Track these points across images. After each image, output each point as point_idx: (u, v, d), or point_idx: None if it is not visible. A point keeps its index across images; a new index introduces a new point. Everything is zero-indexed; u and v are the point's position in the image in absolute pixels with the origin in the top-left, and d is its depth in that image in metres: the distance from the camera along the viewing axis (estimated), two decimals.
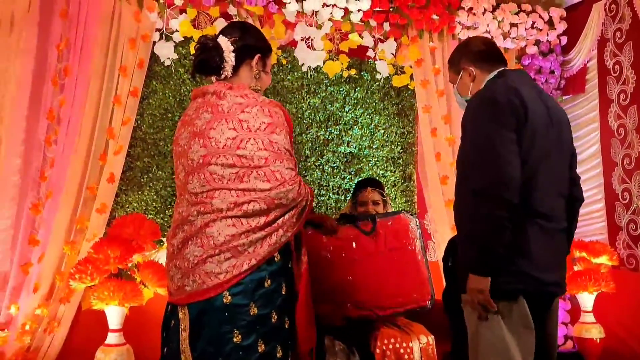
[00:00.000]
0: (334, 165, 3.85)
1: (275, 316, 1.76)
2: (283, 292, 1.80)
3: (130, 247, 2.74)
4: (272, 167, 1.73)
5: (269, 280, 1.76)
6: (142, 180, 3.36)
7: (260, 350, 1.71)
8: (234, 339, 1.69)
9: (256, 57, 1.92)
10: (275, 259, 1.79)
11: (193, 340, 1.70)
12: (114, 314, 2.75)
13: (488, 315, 1.81)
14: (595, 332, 3.42)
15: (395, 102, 4.02)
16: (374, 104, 3.96)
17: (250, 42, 1.91)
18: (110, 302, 2.67)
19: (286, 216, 1.77)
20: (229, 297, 1.70)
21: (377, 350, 2.58)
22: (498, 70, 2.03)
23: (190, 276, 1.72)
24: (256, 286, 1.73)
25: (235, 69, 1.89)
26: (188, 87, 3.49)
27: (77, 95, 3.09)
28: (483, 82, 2.02)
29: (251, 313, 1.71)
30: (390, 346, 2.58)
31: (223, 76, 1.88)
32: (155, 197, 3.38)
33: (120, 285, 2.69)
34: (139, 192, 3.35)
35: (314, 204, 3.68)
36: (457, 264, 2.00)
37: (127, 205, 3.31)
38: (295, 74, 3.79)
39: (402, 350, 2.58)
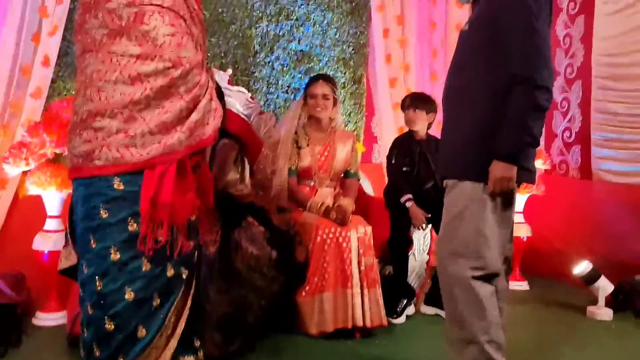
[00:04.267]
0: (284, 62, 3.76)
1: None
2: None
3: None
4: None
5: None
6: None
7: None
8: None
9: None
10: None
11: None
12: (52, 200, 2.69)
13: (482, 204, 1.82)
14: (523, 231, 3.65)
15: None
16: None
17: None
18: (48, 187, 2.61)
19: None
20: None
21: (318, 239, 2.66)
22: None
23: None
24: None
25: None
26: None
27: None
28: None
29: None
30: (331, 235, 2.67)
31: None
32: None
33: (58, 170, 2.62)
34: None
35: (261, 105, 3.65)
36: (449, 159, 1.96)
37: (65, 93, 3.15)
38: None
39: (340, 239, 2.67)
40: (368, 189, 3.70)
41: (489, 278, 1.85)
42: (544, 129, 3.86)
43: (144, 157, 1.45)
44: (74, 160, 1.51)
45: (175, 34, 1.47)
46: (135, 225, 1.49)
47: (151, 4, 1.47)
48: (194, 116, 1.50)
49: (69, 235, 1.64)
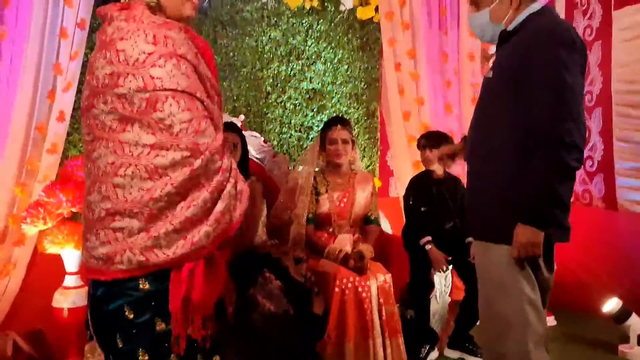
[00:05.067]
0: (296, 102, 3.75)
1: None
2: None
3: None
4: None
5: None
6: None
7: None
8: None
9: None
10: None
11: None
12: (71, 257, 2.70)
13: (523, 267, 1.73)
14: None
15: (359, 35, 3.89)
16: (338, 37, 3.83)
17: None
18: (65, 245, 2.62)
19: None
20: None
21: (337, 289, 2.61)
22: (543, 5, 1.82)
23: None
24: None
25: None
26: None
27: (19, 27, 2.88)
28: (524, 11, 1.79)
29: None
30: (350, 285, 2.62)
31: None
32: None
33: (75, 228, 2.63)
34: None
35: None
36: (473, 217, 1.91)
37: (81, 145, 3.18)
38: (255, 4, 3.60)
39: (360, 289, 2.61)
40: (386, 226, 3.64)
41: (542, 342, 1.77)
42: None
43: (170, 256, 1.34)
44: (92, 262, 1.40)
45: (192, 120, 1.35)
46: (163, 324, 1.39)
47: (164, 89, 1.33)
48: (219, 206, 1.38)
49: (91, 330, 1.58)
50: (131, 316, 1.38)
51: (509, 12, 1.81)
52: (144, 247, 1.33)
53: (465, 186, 3.21)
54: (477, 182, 1.89)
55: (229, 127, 2.78)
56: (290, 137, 3.75)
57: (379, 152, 4.04)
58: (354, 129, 3.86)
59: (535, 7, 1.82)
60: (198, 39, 1.46)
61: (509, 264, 1.74)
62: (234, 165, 1.46)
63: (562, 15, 3.97)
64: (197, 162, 1.35)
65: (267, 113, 3.67)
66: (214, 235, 1.37)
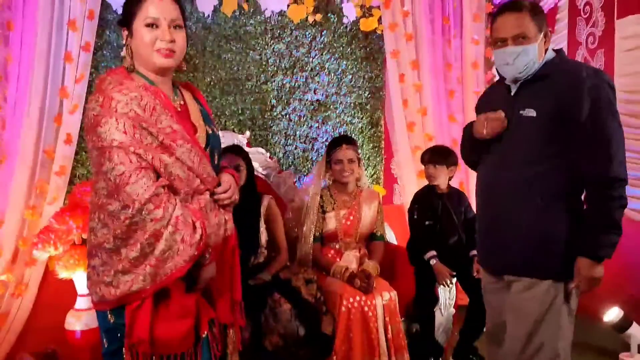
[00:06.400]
0: (301, 113, 3.77)
1: None
2: None
3: None
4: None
5: None
6: None
7: None
8: None
9: (123, 32, 1.62)
10: None
11: None
12: (82, 279, 2.74)
13: (565, 301, 1.85)
14: None
15: (362, 45, 3.89)
16: (341, 48, 3.83)
17: (120, 16, 1.65)
18: (76, 269, 2.66)
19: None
20: None
21: (343, 309, 2.66)
22: (558, 48, 1.97)
23: None
24: None
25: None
26: None
27: (24, 51, 2.90)
28: (548, 52, 1.92)
29: None
30: (356, 304, 2.66)
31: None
32: None
33: (85, 252, 2.66)
34: None
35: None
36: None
37: (89, 164, 3.21)
38: (258, 18, 3.61)
39: (366, 308, 2.66)
40: (391, 235, 3.67)
41: None
42: None
43: (118, 294, 1.49)
44: None
45: (124, 173, 1.46)
46: (130, 357, 1.52)
47: (103, 146, 1.47)
48: (159, 247, 1.47)
49: None
50: (106, 345, 1.57)
51: (543, 53, 1.91)
52: (102, 284, 1.51)
53: (468, 200, 3.30)
54: (516, 219, 1.92)
55: (232, 150, 2.82)
56: (295, 149, 3.77)
57: (383, 161, 4.06)
58: (359, 138, 3.91)
59: (550, 48, 1.94)
60: (158, 93, 1.56)
61: (555, 300, 1.84)
62: (177, 213, 1.51)
63: (565, 22, 3.97)
64: (129, 212, 1.46)
65: (272, 126, 3.69)
66: (150, 278, 1.48)
